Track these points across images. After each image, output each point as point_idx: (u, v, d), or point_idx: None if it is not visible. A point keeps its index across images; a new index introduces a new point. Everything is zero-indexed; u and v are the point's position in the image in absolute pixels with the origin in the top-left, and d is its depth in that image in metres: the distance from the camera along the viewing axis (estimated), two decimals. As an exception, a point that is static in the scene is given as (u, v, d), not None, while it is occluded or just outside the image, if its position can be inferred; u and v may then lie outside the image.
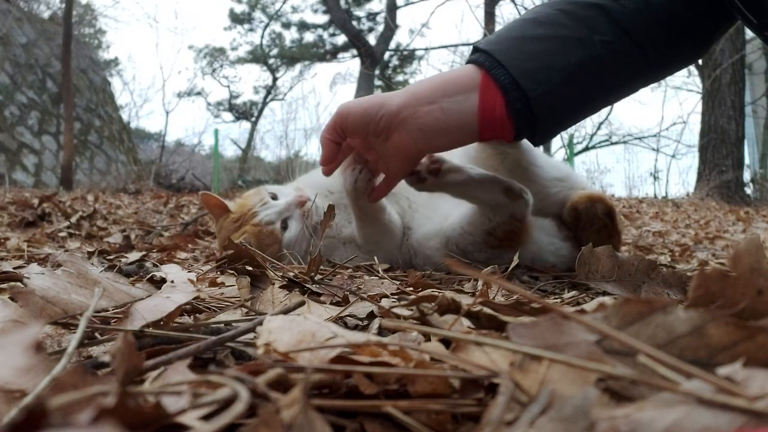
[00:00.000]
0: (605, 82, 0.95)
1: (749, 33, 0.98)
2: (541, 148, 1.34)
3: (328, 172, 1.02)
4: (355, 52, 15.93)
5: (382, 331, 0.52)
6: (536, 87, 0.87)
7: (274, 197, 1.25)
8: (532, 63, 0.88)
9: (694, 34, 0.95)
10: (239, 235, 1.19)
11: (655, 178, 10.19)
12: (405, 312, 0.54)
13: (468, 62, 0.93)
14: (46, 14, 11.44)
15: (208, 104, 19.16)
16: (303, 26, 18.50)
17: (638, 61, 0.93)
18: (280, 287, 0.72)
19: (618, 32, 0.89)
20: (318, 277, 0.80)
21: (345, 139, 0.98)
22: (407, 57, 17.91)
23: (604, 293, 0.79)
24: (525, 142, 1.06)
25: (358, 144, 1.01)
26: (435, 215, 1.19)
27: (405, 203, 1.26)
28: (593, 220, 1.11)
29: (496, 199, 1.01)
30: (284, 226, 1.20)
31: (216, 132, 10.55)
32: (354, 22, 16.72)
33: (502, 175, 1.03)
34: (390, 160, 0.97)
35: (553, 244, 1.12)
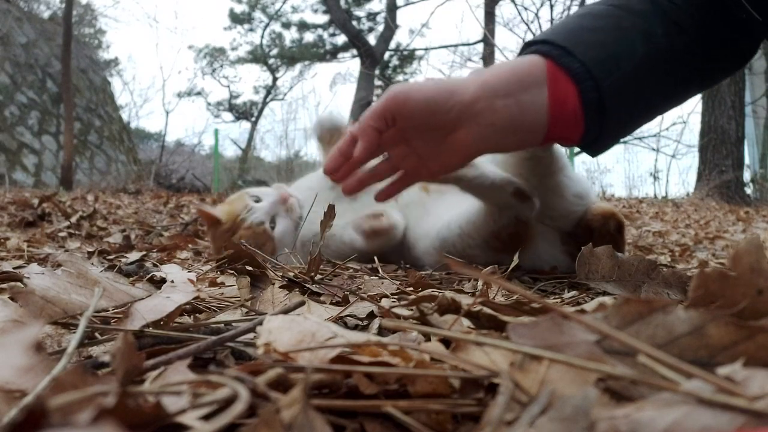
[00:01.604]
0: (669, 79, 0.87)
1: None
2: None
3: (334, 174, 0.87)
4: (355, 52, 15.92)
5: (382, 331, 0.52)
6: (607, 76, 0.77)
7: (258, 200, 1.28)
8: (599, 52, 0.78)
9: (744, 34, 0.91)
10: (236, 240, 1.20)
11: (655, 178, 10.19)
12: (405, 312, 0.54)
13: (524, 53, 0.82)
14: (46, 14, 11.45)
15: (208, 104, 19.17)
16: (303, 26, 18.50)
17: (696, 60, 0.87)
18: (280, 287, 0.72)
19: (675, 29, 0.84)
20: (318, 277, 0.80)
21: (392, 127, 0.82)
22: (407, 57, 17.91)
23: (604, 293, 0.79)
24: (557, 147, 1.00)
25: (391, 134, 0.84)
26: (429, 214, 1.18)
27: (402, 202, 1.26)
28: (605, 236, 1.10)
29: (505, 200, 0.99)
30: (273, 225, 1.24)
31: (216, 132, 10.55)
32: (354, 22, 16.71)
33: (532, 183, 1.00)
34: (436, 158, 0.85)
35: (554, 256, 1.11)
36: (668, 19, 0.85)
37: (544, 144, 0.84)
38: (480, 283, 0.80)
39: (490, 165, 1.00)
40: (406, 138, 0.84)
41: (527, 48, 0.83)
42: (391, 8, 14.71)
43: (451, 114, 0.78)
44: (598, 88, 0.77)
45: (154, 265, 1.02)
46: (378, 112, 0.80)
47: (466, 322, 0.46)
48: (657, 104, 0.92)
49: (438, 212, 1.18)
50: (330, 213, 0.97)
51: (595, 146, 0.86)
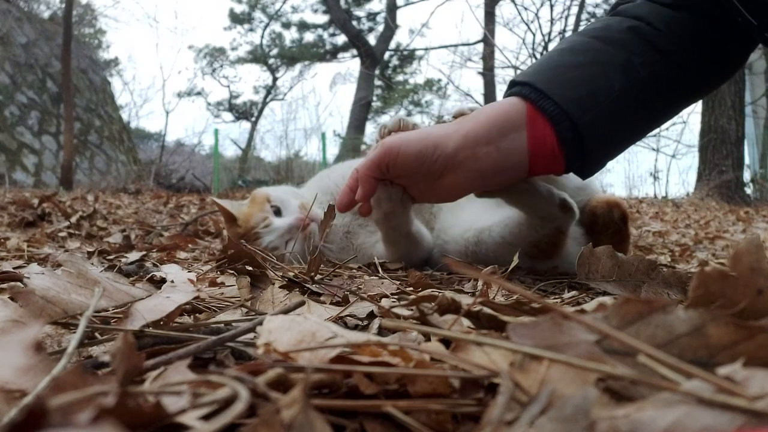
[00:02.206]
0: (650, 105, 0.91)
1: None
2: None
3: (345, 209, 0.97)
4: (355, 52, 15.94)
5: (382, 331, 0.52)
6: (584, 114, 0.84)
7: (278, 211, 1.24)
8: (576, 91, 0.84)
9: (729, 45, 0.93)
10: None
11: (655, 178, 10.19)
12: (405, 312, 0.54)
13: (507, 95, 0.90)
14: (46, 14, 11.45)
15: (208, 104, 19.19)
16: (303, 26, 18.51)
17: (679, 81, 0.90)
18: (280, 287, 0.72)
19: (655, 54, 0.87)
20: (318, 277, 0.80)
21: (388, 175, 0.93)
22: (407, 57, 17.92)
23: (604, 293, 0.79)
24: None
25: (389, 176, 0.95)
26: (462, 216, 1.18)
27: (427, 207, 1.26)
28: (609, 225, 1.11)
29: (550, 211, 1.01)
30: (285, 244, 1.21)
31: (216, 132, 10.56)
32: (354, 22, 16.72)
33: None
34: (434, 194, 0.94)
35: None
36: (650, 47, 0.88)
37: (532, 176, 0.91)
38: (480, 283, 0.80)
39: (534, 179, 1.00)
40: (400, 179, 0.94)
41: (511, 87, 0.90)
42: (391, 8, 14.72)
43: (437, 164, 0.87)
44: (575, 126, 0.84)
45: (154, 265, 1.02)
46: (375, 162, 0.90)
47: (466, 322, 0.46)
48: (641, 128, 0.96)
49: (469, 217, 1.18)
50: (330, 213, 0.97)
51: (582, 173, 0.92)
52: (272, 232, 1.20)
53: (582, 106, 0.84)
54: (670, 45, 0.88)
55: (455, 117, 0.97)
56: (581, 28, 0.96)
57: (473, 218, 1.16)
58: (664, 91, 0.91)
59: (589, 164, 0.91)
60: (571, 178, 1.10)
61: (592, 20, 1.06)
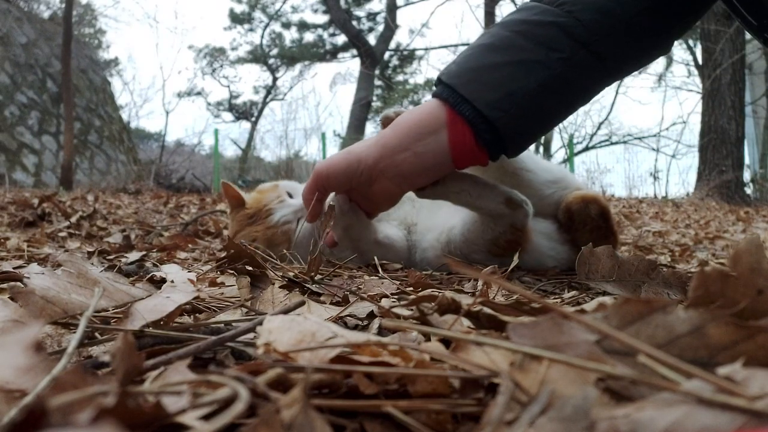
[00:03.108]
0: (568, 95, 0.97)
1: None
2: (532, 149, 1.33)
3: (313, 220, 1.06)
4: (355, 52, 15.94)
5: (382, 331, 0.52)
6: (501, 115, 0.90)
7: (291, 195, 1.26)
8: (494, 93, 0.90)
9: (654, 36, 0.95)
10: (252, 231, 1.19)
11: (655, 178, 10.19)
12: (405, 312, 0.54)
13: (433, 95, 0.96)
14: (46, 14, 11.44)
15: (208, 104, 19.18)
16: (303, 26, 18.51)
17: (598, 69, 0.94)
18: (280, 287, 0.72)
19: (575, 46, 0.90)
20: (318, 277, 0.80)
21: (326, 194, 1.03)
22: (407, 57, 17.93)
23: (604, 293, 0.79)
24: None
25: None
26: (436, 221, 1.19)
27: (409, 204, 1.26)
28: (586, 221, 1.11)
29: (497, 209, 1.02)
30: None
31: (216, 132, 10.56)
32: (354, 22, 16.72)
33: (469, 173, 1.03)
34: (373, 200, 1.03)
35: (554, 248, 1.12)
36: (569, 40, 0.91)
37: (458, 169, 0.98)
38: (480, 283, 0.80)
39: (478, 177, 1.02)
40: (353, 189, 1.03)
41: (437, 83, 0.97)
42: (391, 8, 14.72)
43: (363, 176, 0.97)
44: (493, 128, 0.91)
45: (154, 265, 1.02)
46: (311, 187, 1.01)
47: (466, 322, 0.46)
48: (561, 113, 1.01)
49: (440, 222, 1.18)
50: (330, 213, 0.97)
51: (508, 155, 0.99)
52: (286, 207, 1.22)
53: (499, 107, 0.90)
54: (592, 36, 0.90)
55: (382, 122, 1.06)
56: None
57: (443, 221, 1.16)
58: (583, 81, 0.95)
59: (512, 152, 0.98)
60: (540, 173, 1.12)
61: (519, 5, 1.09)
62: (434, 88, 0.98)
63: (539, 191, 1.12)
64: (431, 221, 1.20)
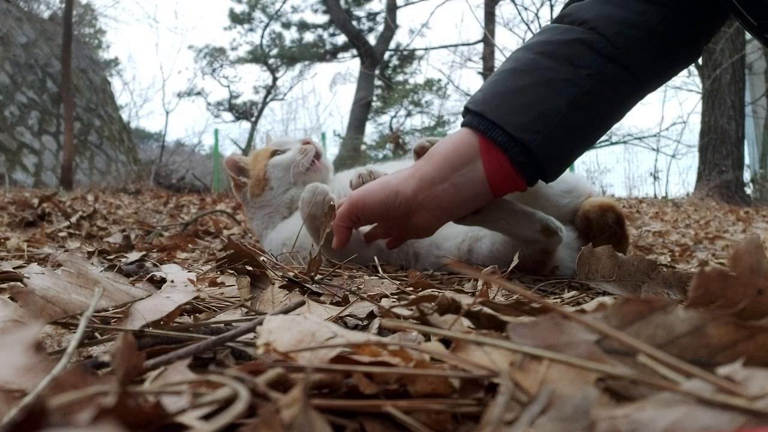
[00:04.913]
0: (600, 112, 0.95)
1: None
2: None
3: (340, 247, 1.04)
4: (355, 52, 15.94)
5: (382, 331, 0.52)
6: (534, 137, 0.88)
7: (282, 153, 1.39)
8: (524, 115, 0.89)
9: (680, 43, 0.95)
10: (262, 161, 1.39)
11: (655, 178, 10.18)
12: (405, 312, 0.54)
13: (462, 125, 0.95)
14: (46, 14, 11.43)
15: (208, 104, 19.16)
16: (303, 26, 18.50)
17: (629, 82, 0.93)
18: (280, 287, 0.72)
19: (602, 61, 0.90)
20: (318, 277, 0.80)
21: (359, 224, 1.02)
22: (407, 57, 17.92)
23: (604, 293, 0.79)
24: None
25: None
26: (458, 228, 1.18)
27: None
28: (604, 229, 1.11)
29: (533, 237, 1.02)
30: (282, 151, 1.38)
31: (216, 132, 10.57)
32: (354, 22, 16.73)
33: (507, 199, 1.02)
34: (410, 231, 1.01)
35: (574, 258, 1.12)
36: (595, 55, 0.90)
37: (496, 197, 0.97)
38: (480, 283, 0.80)
39: (516, 204, 1.01)
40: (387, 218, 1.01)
41: (465, 113, 0.97)
42: (391, 8, 14.73)
43: (401, 209, 0.95)
44: (527, 150, 0.89)
45: (154, 265, 1.02)
46: (344, 215, 0.99)
47: (466, 322, 0.46)
48: (597, 132, 0.99)
49: (464, 229, 1.17)
50: (330, 212, 0.97)
51: (546, 181, 0.98)
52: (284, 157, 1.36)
53: (532, 128, 0.88)
54: (617, 49, 0.90)
55: (416, 152, 1.04)
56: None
57: (465, 228, 1.16)
58: (615, 95, 0.94)
59: (550, 174, 0.95)
60: (555, 184, 1.11)
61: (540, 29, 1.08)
62: (462, 118, 0.96)
63: (556, 203, 1.13)
64: (448, 229, 1.19)
